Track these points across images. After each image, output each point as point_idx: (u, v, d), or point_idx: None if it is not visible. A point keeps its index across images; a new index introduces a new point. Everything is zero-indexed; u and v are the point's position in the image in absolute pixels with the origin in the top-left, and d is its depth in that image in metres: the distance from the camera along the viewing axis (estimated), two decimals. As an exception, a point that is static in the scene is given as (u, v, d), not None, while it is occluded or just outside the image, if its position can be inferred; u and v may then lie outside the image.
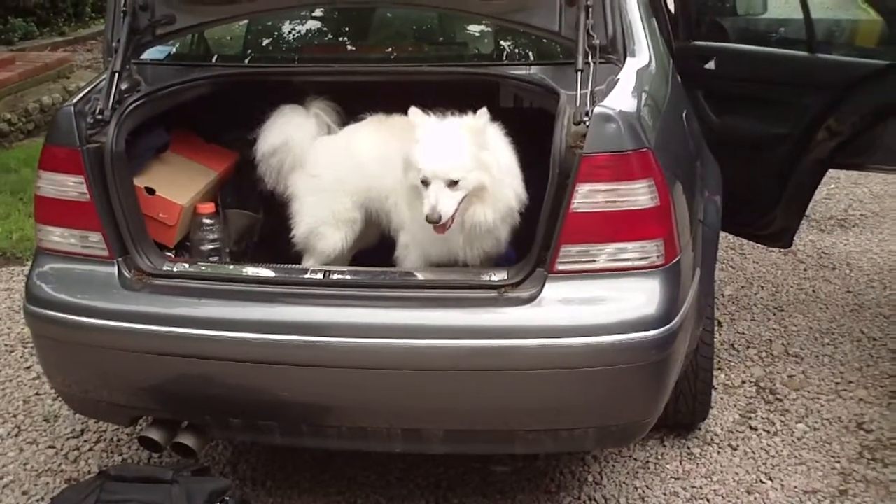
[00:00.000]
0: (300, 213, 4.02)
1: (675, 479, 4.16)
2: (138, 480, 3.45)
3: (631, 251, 3.33)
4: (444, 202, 3.38)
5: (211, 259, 4.02)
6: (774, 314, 5.63)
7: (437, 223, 3.38)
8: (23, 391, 5.07)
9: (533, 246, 3.39)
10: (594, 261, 3.34)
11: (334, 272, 3.58)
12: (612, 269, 3.34)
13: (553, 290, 3.33)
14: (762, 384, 4.86)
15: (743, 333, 5.39)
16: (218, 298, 3.54)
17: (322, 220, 3.96)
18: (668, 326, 3.32)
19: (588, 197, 3.29)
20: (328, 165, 3.97)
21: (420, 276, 3.58)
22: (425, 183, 3.42)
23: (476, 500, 4.04)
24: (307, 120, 4.08)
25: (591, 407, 3.44)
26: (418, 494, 4.10)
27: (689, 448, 4.36)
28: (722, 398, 4.73)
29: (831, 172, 6.83)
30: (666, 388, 3.51)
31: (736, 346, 5.26)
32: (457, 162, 3.42)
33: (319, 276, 3.55)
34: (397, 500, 4.07)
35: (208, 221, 4.04)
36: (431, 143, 3.48)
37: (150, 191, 3.95)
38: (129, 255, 3.63)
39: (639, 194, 3.30)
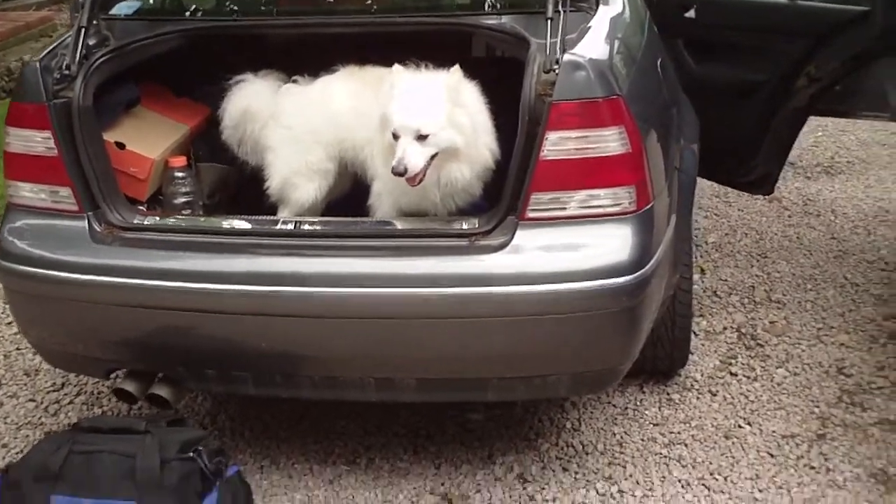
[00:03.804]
0: (274, 165, 3.98)
1: (654, 424, 4.16)
2: (111, 431, 3.43)
3: (602, 198, 3.31)
4: (412, 156, 3.33)
5: (184, 212, 4.00)
6: (758, 261, 5.61)
7: (401, 176, 3.34)
8: (3, 346, 5.08)
9: (503, 194, 3.37)
10: (565, 208, 3.32)
11: (305, 222, 3.57)
12: (584, 216, 3.32)
13: (524, 238, 3.32)
14: (743, 330, 4.86)
15: (726, 280, 5.38)
16: (187, 251, 3.53)
17: (296, 171, 3.93)
18: (640, 272, 3.31)
19: (558, 144, 3.26)
20: (301, 117, 3.94)
21: (391, 226, 3.56)
22: (395, 136, 3.38)
23: (454, 448, 4.04)
24: (266, 88, 4.08)
25: (564, 354, 3.43)
26: (396, 443, 4.10)
27: (668, 394, 4.37)
28: (703, 344, 4.73)
29: (818, 120, 6.93)
30: (639, 335, 3.50)
31: (718, 292, 5.25)
32: (427, 117, 3.38)
33: (290, 226, 3.54)
34: (375, 448, 4.08)
35: (180, 175, 4.02)
36: (404, 97, 3.44)
37: (121, 145, 3.92)
38: (100, 209, 3.62)
39: (609, 141, 3.28)
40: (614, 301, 3.31)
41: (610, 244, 3.32)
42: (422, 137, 3.36)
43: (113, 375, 3.90)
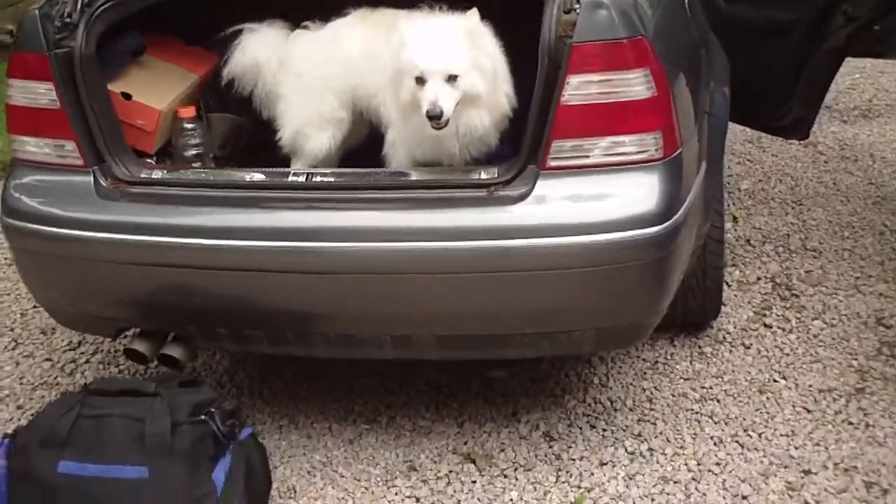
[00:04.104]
0: (285, 115, 3.83)
1: (685, 379, 4.01)
2: (120, 394, 3.32)
3: (627, 144, 3.14)
4: (445, 98, 3.16)
5: (194, 165, 3.86)
6: (793, 208, 5.41)
7: (438, 119, 3.15)
8: (20, 304, 4.99)
9: (523, 142, 3.21)
10: (588, 156, 3.15)
11: (317, 174, 3.42)
12: (608, 164, 3.16)
13: (545, 188, 3.16)
14: (778, 280, 4.68)
15: (759, 228, 5.19)
16: (196, 205, 3.41)
17: (308, 121, 3.77)
18: (669, 223, 3.15)
19: (579, 89, 3.09)
20: (311, 63, 3.77)
21: (406, 177, 3.40)
22: (421, 80, 3.20)
23: (477, 405, 3.92)
24: (274, 36, 3.92)
25: (589, 308, 3.28)
26: (418, 400, 3.98)
27: (700, 347, 4.21)
28: (736, 295, 4.56)
29: (856, 62, 6.68)
30: (668, 288, 3.34)
31: (752, 241, 5.06)
32: (455, 58, 3.21)
33: (302, 178, 3.39)
34: (396, 406, 3.96)
35: (189, 126, 3.88)
36: (427, 39, 3.26)
37: (127, 96, 3.78)
38: (105, 163, 3.49)
39: (634, 84, 3.10)
40: (642, 253, 3.15)
41: (636, 193, 3.15)
42: (451, 79, 3.19)
43: (125, 335, 3.78)
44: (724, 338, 4.25)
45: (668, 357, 4.14)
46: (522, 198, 3.16)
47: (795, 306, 4.46)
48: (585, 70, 3.08)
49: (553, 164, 3.16)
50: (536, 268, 3.16)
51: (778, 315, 4.41)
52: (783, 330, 4.30)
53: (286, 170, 3.56)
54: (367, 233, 3.21)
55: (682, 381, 4.00)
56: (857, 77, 7.33)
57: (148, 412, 3.22)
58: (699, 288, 4.00)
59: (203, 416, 3.25)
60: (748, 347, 4.19)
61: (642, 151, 3.15)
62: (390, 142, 3.57)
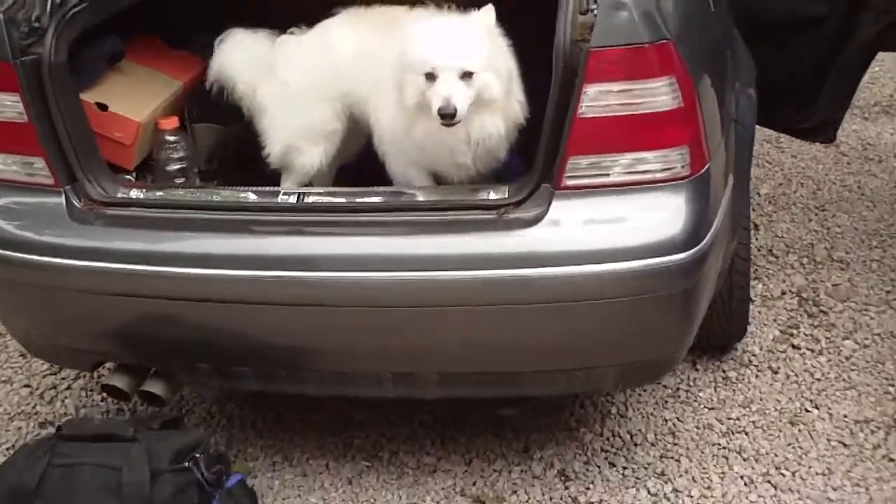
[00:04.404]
0: (271, 129, 3.51)
1: (710, 409, 3.73)
2: (94, 439, 3.05)
3: (651, 161, 2.83)
4: (459, 96, 2.85)
5: (177, 181, 3.56)
6: (816, 214, 5.11)
7: (451, 117, 2.84)
8: (-1, 326, 4.69)
9: (536, 158, 2.90)
10: (608, 174, 2.83)
11: (310, 194, 3.10)
12: (630, 183, 2.84)
13: (561, 210, 2.85)
14: (804, 295, 4.38)
15: (782, 237, 4.90)
16: (177, 229, 3.10)
17: (297, 136, 3.47)
18: (696, 248, 2.83)
19: (598, 99, 2.77)
20: (299, 70, 3.46)
21: (407, 197, 3.09)
22: (431, 77, 2.89)
23: (486, 440, 3.62)
24: (257, 42, 3.61)
25: (609, 344, 2.99)
26: (422, 434, 3.69)
27: (724, 372, 3.92)
28: (760, 312, 4.26)
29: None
30: (695, 319, 3.05)
31: (774, 251, 4.76)
32: (471, 51, 2.91)
33: (292, 199, 3.08)
34: (398, 440, 3.68)
35: (171, 138, 3.56)
36: (439, 32, 2.98)
37: (103, 107, 3.47)
38: (78, 182, 3.19)
39: (658, 94, 2.78)
40: (667, 283, 2.84)
41: (661, 216, 2.84)
42: (466, 76, 2.88)
43: (103, 369, 3.50)
44: (750, 361, 3.96)
45: (691, 383, 3.85)
46: (536, 221, 2.85)
47: (824, 324, 4.17)
48: (604, 79, 2.76)
49: (569, 182, 2.84)
50: (551, 300, 2.85)
51: (806, 334, 4.11)
52: (812, 351, 4.01)
53: (276, 189, 3.24)
54: (364, 261, 2.90)
55: (706, 410, 3.72)
56: (876, 70, 6.98)
57: (125, 460, 2.95)
58: (724, 310, 3.71)
59: (186, 464, 2.99)
60: (776, 372, 3.90)
61: (667, 169, 2.84)
62: (384, 155, 3.27)
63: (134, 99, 3.55)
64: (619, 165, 2.83)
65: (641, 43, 2.76)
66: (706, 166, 2.91)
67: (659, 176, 2.84)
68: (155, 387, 3.30)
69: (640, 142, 2.83)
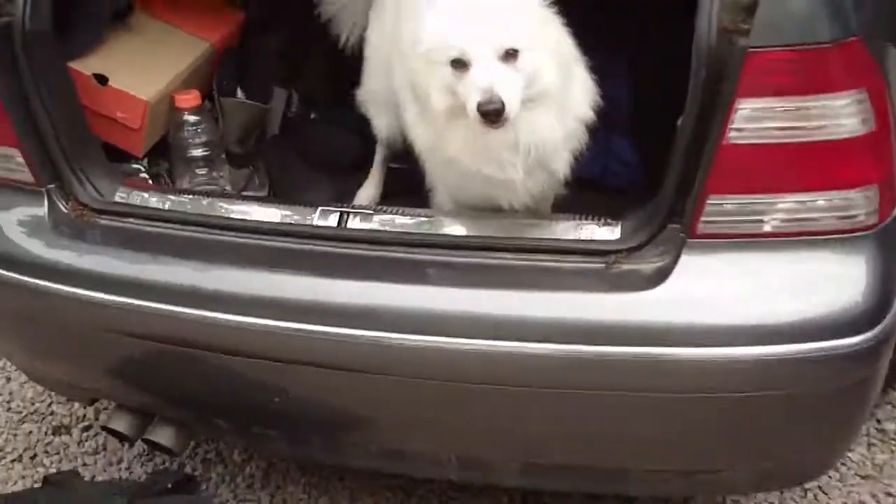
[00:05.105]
0: (365, 67, 2.93)
1: (862, 477, 2.95)
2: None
3: (824, 206, 2.02)
4: (504, 83, 2.04)
5: (198, 171, 2.83)
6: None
7: (498, 115, 2.00)
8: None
9: (662, 191, 2.11)
10: (762, 220, 2.05)
11: (357, 213, 2.34)
12: (792, 234, 2.05)
13: (694, 264, 2.08)
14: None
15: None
16: (184, 256, 2.40)
17: (372, 97, 2.90)
18: (880, 328, 2.04)
19: (755, 120, 1.97)
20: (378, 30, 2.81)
21: (470, 233, 2.30)
22: (461, 64, 2.07)
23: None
24: None
25: (744, 445, 2.24)
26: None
27: (878, 423, 3.12)
28: None
29: None
30: (863, 416, 2.26)
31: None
32: (513, 23, 2.08)
33: (332, 221, 2.33)
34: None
35: (191, 119, 2.83)
36: (465, 4, 2.13)
37: (102, 79, 2.73)
38: (62, 181, 2.49)
39: (842, 115, 1.96)
40: (836, 373, 2.06)
41: (834, 282, 2.04)
42: (509, 56, 2.06)
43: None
44: None
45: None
46: (660, 278, 2.08)
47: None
48: (766, 93, 1.96)
49: (707, 229, 2.06)
50: (676, 389, 2.08)
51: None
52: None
53: (311, 206, 2.44)
54: (423, 321, 2.15)
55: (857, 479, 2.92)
56: None
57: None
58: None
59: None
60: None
61: (846, 217, 2.03)
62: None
63: (144, 68, 2.81)
64: (779, 210, 2.04)
65: (821, 42, 1.93)
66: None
67: (834, 226, 2.04)
68: (161, 435, 2.66)
69: (811, 179, 2.03)
